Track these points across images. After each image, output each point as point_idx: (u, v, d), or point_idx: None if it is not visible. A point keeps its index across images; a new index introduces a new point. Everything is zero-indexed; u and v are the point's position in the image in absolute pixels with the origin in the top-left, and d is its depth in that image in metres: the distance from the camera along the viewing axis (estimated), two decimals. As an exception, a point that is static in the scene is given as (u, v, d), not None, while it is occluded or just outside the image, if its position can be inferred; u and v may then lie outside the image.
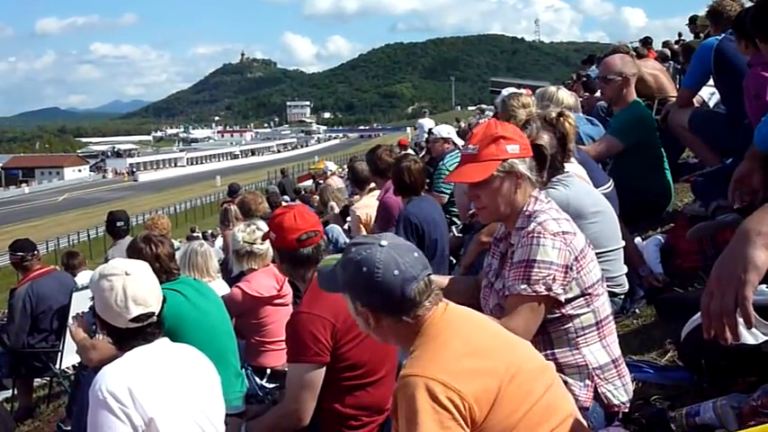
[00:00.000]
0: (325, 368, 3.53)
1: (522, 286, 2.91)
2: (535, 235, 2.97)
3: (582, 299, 3.02)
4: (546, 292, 2.91)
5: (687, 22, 14.89)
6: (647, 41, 16.12)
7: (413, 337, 2.38)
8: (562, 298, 2.96)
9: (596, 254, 3.74)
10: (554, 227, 3.00)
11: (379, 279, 2.33)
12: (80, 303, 6.70)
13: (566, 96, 5.61)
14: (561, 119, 4.08)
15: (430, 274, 2.41)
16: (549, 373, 2.45)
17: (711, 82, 6.42)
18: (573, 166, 4.41)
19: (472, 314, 2.51)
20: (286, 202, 15.33)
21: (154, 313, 3.07)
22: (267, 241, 4.88)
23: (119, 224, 8.90)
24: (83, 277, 8.70)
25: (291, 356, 3.60)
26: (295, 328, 3.56)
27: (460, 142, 9.08)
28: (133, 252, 4.53)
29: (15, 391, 7.78)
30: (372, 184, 7.66)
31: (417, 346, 2.35)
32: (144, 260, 4.38)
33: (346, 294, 2.50)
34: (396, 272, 2.33)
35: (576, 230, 3.09)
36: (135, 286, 3.04)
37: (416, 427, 2.12)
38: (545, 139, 3.86)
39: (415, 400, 2.14)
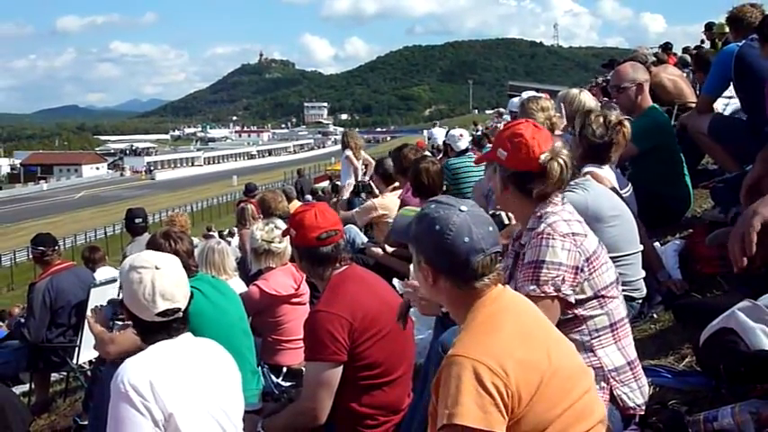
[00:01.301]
0: (342, 367, 3.55)
1: (532, 287, 2.92)
2: (544, 236, 2.99)
3: (595, 301, 3.03)
4: (555, 293, 2.92)
5: (703, 29, 14.84)
6: (667, 47, 16.06)
7: (465, 309, 2.39)
8: (572, 299, 2.97)
9: (614, 257, 3.75)
10: (564, 228, 3.01)
11: (448, 241, 2.34)
12: (98, 299, 6.72)
13: (588, 99, 5.60)
14: (619, 126, 4.08)
15: (498, 252, 2.41)
16: (588, 377, 2.46)
17: (728, 91, 6.40)
18: (606, 171, 4.41)
19: (527, 303, 2.51)
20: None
21: (180, 309, 3.09)
22: (285, 240, 4.91)
23: (137, 221, 8.95)
24: (102, 273, 8.75)
25: (309, 355, 3.62)
26: (313, 326, 3.57)
27: (463, 146, 9.23)
28: (152, 247, 4.56)
29: (32, 386, 7.84)
30: (396, 184, 7.66)
31: (469, 323, 2.35)
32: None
33: (413, 246, 2.50)
34: (466, 239, 2.33)
35: (587, 232, 3.09)
36: (164, 281, 3.05)
37: (459, 407, 2.13)
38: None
39: (461, 381, 2.14)
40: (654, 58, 9.47)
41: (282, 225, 5.48)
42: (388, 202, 7.17)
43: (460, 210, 2.37)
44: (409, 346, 3.84)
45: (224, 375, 3.20)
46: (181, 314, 3.10)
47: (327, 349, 3.51)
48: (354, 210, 7.58)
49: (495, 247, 2.39)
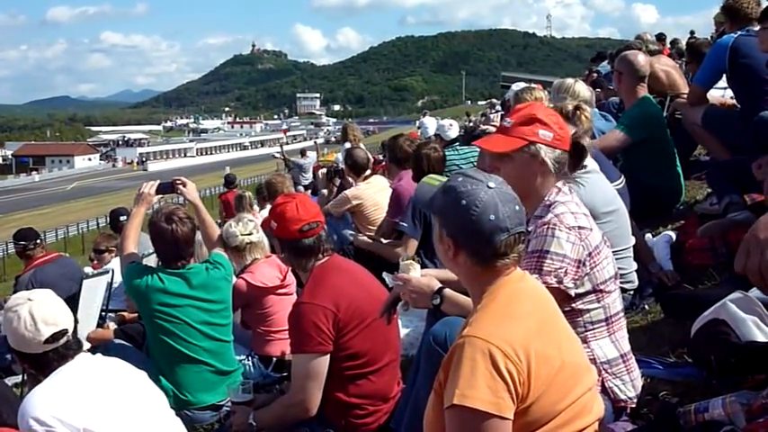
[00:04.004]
0: (329, 357, 3.56)
1: (534, 276, 2.90)
2: (551, 226, 2.97)
3: (593, 295, 3.02)
4: (556, 285, 2.90)
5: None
6: (660, 38, 16.04)
7: (482, 287, 2.37)
8: (572, 292, 2.95)
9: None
10: (570, 220, 2.99)
11: (473, 218, 2.30)
12: (90, 290, 6.71)
13: (582, 89, 5.60)
14: (578, 112, 4.06)
15: (522, 233, 2.38)
16: (591, 375, 2.45)
17: (723, 82, 6.39)
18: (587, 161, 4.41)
19: (546, 293, 2.49)
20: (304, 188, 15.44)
21: (67, 331, 3.07)
22: (260, 230, 4.97)
23: (122, 219, 8.95)
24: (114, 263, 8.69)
25: (295, 347, 3.63)
26: (297, 318, 3.58)
27: (453, 134, 9.54)
28: (153, 230, 4.54)
29: (24, 377, 7.82)
30: (368, 171, 7.80)
31: (486, 304, 2.32)
32: (164, 238, 4.40)
33: (436, 218, 2.46)
34: (491, 217, 2.29)
35: (592, 226, 3.07)
36: (41, 308, 3.04)
37: (472, 390, 2.11)
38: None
39: (476, 363, 2.12)
40: (655, 46, 9.37)
41: (250, 217, 5.49)
42: (361, 192, 7.25)
43: (488, 186, 2.33)
44: (394, 334, 3.84)
45: (131, 381, 3.20)
46: (70, 336, 3.08)
47: (313, 340, 3.52)
48: (330, 203, 7.66)
49: (520, 227, 2.35)
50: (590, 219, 3.11)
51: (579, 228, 3.00)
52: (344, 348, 3.58)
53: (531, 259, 2.95)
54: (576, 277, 2.95)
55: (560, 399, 2.24)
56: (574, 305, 2.99)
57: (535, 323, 2.28)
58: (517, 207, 2.36)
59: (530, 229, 3.07)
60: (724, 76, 6.08)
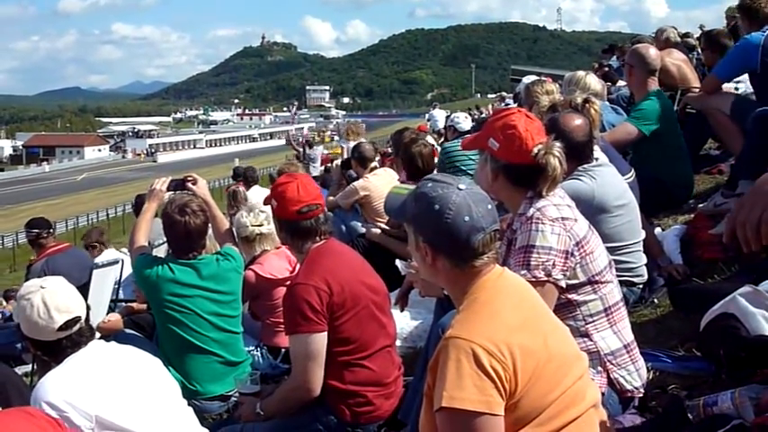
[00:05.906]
0: (326, 335, 3.53)
1: (523, 272, 2.91)
2: (534, 221, 2.99)
3: (588, 286, 3.04)
4: (545, 278, 2.92)
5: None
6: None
7: (464, 289, 2.37)
8: (563, 283, 2.97)
9: (619, 247, 3.74)
10: (553, 212, 3.01)
11: (448, 221, 2.30)
12: (100, 281, 6.75)
13: (593, 82, 5.59)
14: (587, 105, 4.06)
15: (497, 230, 2.38)
16: (581, 363, 2.44)
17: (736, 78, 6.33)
18: (595, 153, 4.40)
19: (527, 288, 2.49)
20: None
21: (80, 318, 3.09)
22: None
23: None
24: (106, 255, 8.74)
25: (291, 328, 3.60)
26: (292, 299, 3.56)
27: (467, 126, 9.55)
28: (165, 221, 4.58)
29: (35, 366, 7.85)
30: (374, 164, 7.86)
31: (468, 305, 2.33)
32: (176, 230, 4.44)
33: (410, 226, 2.46)
34: (466, 218, 2.29)
35: (577, 217, 3.09)
36: (53, 296, 3.06)
37: (459, 391, 2.12)
38: (577, 123, 3.82)
39: (461, 364, 2.13)
40: (678, 39, 9.27)
41: (262, 208, 5.51)
42: (369, 184, 7.27)
43: (459, 188, 2.33)
44: (387, 319, 3.81)
45: (144, 367, 3.23)
46: (83, 323, 3.10)
47: (309, 320, 3.49)
48: (338, 195, 7.67)
49: (495, 225, 2.36)
50: (574, 210, 3.12)
51: (563, 219, 3.02)
52: (336, 332, 3.56)
53: (519, 255, 2.98)
54: (565, 268, 2.97)
55: (549, 391, 2.23)
56: (570, 297, 3.01)
57: (517, 318, 2.28)
58: (489, 206, 2.37)
59: (515, 227, 3.09)
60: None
